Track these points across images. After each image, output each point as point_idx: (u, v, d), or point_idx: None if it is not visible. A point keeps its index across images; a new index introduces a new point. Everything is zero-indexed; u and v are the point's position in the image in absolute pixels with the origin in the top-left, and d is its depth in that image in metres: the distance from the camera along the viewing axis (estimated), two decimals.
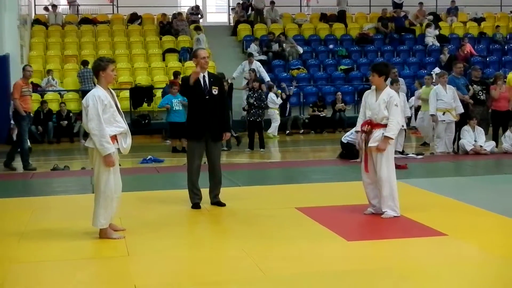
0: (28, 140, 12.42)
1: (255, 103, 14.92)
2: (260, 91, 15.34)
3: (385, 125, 7.31)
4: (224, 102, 8.27)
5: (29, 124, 12.47)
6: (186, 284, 5.15)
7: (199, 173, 8.10)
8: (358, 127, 7.56)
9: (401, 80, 15.76)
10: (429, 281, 5.04)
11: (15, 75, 18.79)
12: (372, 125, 7.37)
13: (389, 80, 9.24)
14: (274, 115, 18.57)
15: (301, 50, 22.82)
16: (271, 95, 18.47)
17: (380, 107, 7.31)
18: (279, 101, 18.90)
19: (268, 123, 17.83)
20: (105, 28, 23.45)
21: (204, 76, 7.98)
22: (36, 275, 5.47)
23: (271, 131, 18.45)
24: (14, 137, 12.48)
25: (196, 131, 7.98)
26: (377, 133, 7.33)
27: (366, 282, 5.08)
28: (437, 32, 24.09)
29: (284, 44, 22.54)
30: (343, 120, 19.81)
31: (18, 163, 12.50)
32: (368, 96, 7.47)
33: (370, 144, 7.34)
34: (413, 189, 9.05)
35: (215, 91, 7.98)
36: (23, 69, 12.66)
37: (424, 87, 15.98)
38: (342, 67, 22.49)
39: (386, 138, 7.30)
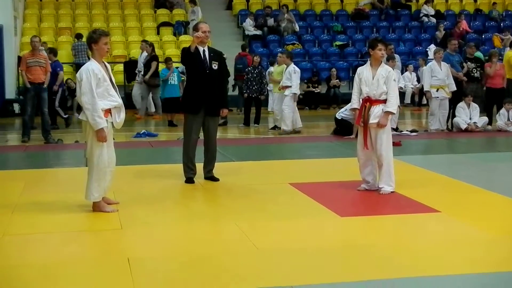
0: (46, 112, 12.33)
1: (256, 78, 14.85)
2: (260, 67, 15.27)
3: (383, 101, 7.27)
4: (223, 78, 8.26)
5: (45, 94, 12.42)
6: (179, 257, 5.16)
7: (196, 148, 8.09)
8: (354, 104, 7.50)
9: (396, 56, 15.69)
10: (421, 258, 5.05)
11: (8, 47, 18.73)
12: (370, 101, 7.33)
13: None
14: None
15: (297, 28, 22.65)
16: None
17: (379, 82, 7.26)
18: None
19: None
20: (100, 0, 23.24)
21: (204, 50, 7.91)
22: (28, 247, 5.46)
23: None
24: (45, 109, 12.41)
25: (193, 105, 7.93)
26: (377, 109, 7.28)
27: (358, 257, 5.09)
28: (432, 11, 23.94)
29: (283, 17, 22.32)
30: (338, 96, 19.78)
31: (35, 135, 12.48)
32: (364, 72, 7.38)
33: (371, 121, 7.28)
34: (406, 166, 9.05)
35: (215, 65, 7.93)
36: (30, 40, 12.86)
37: (276, 65, 14.97)
38: (337, 43, 22.40)
39: (387, 113, 7.27)
